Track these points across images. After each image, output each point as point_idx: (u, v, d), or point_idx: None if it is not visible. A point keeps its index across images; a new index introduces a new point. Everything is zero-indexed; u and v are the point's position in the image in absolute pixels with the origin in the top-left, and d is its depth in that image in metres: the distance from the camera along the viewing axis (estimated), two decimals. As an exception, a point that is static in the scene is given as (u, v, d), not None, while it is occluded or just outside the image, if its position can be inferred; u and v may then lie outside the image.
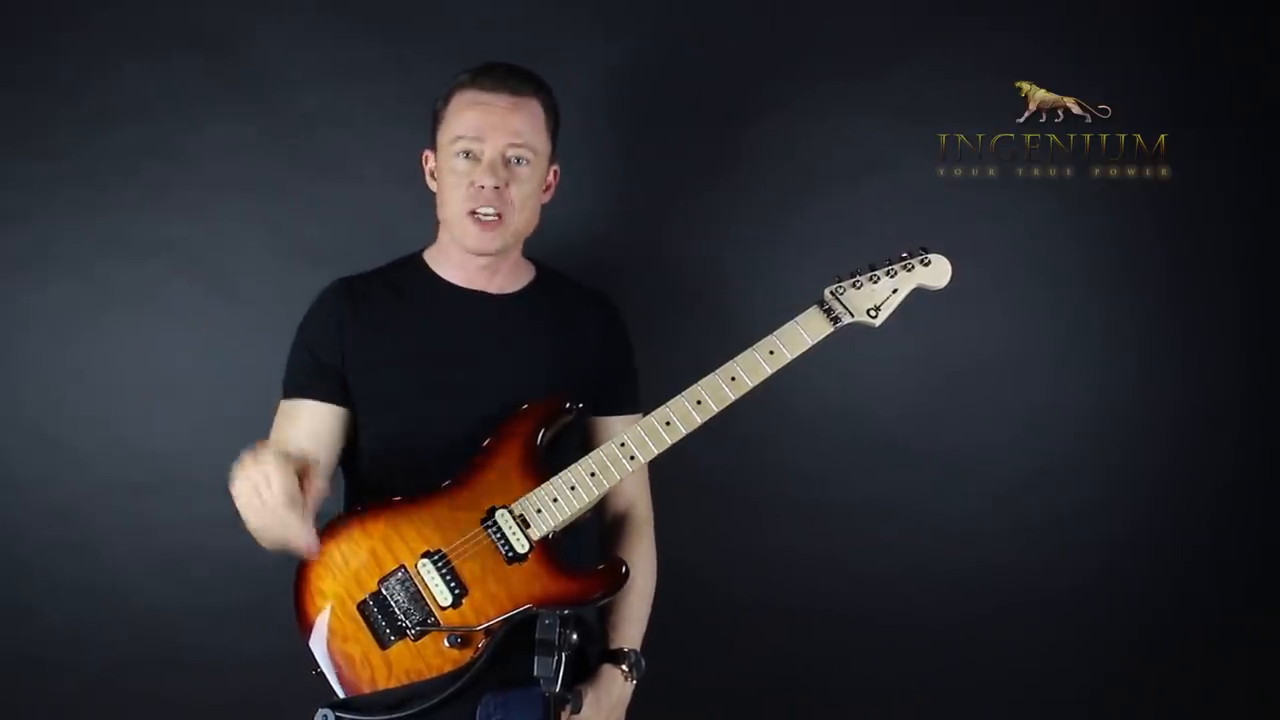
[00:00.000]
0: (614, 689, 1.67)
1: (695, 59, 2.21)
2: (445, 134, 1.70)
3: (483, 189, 1.65)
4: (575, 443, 1.73)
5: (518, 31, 2.17)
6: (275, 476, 1.38)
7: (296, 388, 1.70)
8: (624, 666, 1.69)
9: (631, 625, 1.74)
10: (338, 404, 1.69)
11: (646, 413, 1.64)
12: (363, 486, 1.71)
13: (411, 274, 1.77)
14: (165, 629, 2.20)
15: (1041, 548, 2.27)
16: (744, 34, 2.21)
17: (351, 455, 1.73)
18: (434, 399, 1.67)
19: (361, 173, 2.17)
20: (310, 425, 1.68)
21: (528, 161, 1.68)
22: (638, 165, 2.23)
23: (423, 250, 1.80)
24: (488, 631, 1.54)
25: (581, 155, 2.20)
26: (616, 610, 1.73)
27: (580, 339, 1.78)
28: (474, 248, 1.69)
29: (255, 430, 1.75)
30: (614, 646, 1.71)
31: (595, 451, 1.62)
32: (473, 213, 1.66)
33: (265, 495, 1.38)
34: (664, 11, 2.21)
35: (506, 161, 1.67)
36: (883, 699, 2.30)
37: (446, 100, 1.71)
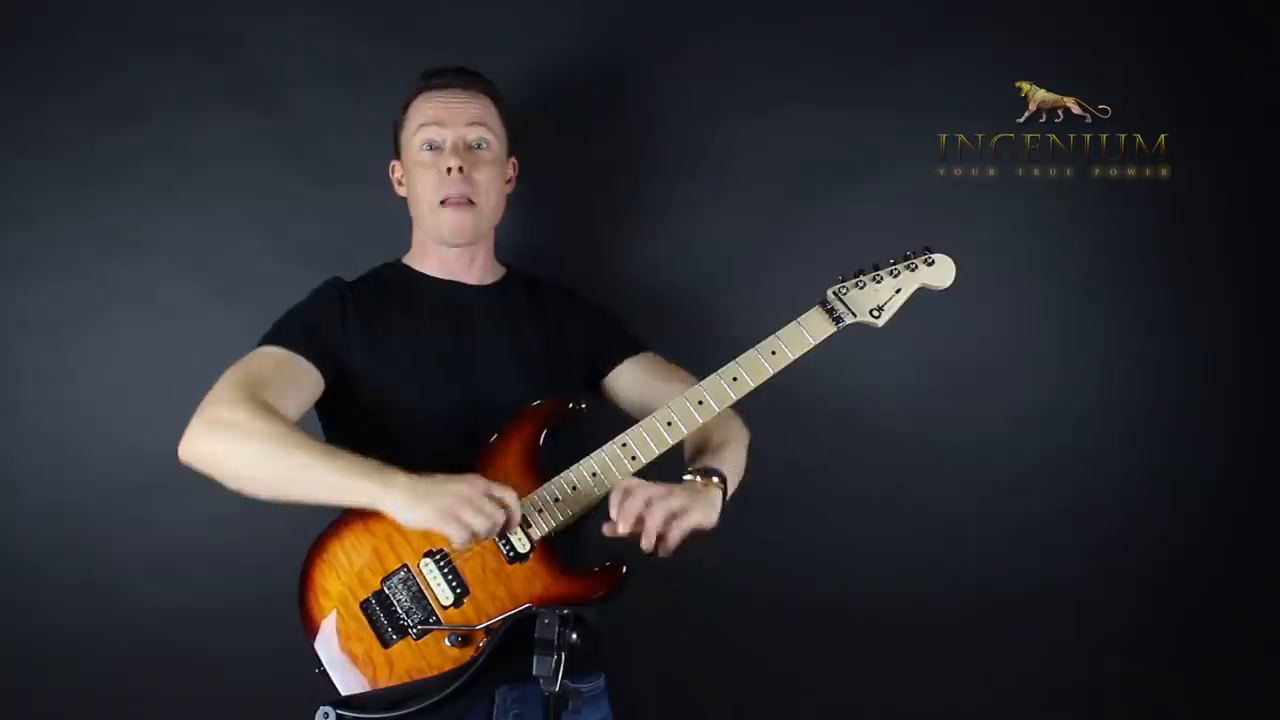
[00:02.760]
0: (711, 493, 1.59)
1: (696, 58, 2.21)
2: (407, 130, 1.80)
3: (449, 171, 1.73)
4: (588, 431, 1.71)
5: (518, 32, 2.17)
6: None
7: (280, 336, 1.68)
8: (715, 479, 1.60)
9: (731, 463, 1.68)
10: (318, 368, 1.65)
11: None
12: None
13: (394, 273, 1.85)
14: (165, 629, 2.19)
15: (1040, 547, 2.26)
16: (744, 34, 2.21)
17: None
18: (421, 385, 1.68)
19: (363, 174, 2.16)
20: (286, 368, 1.64)
21: (488, 145, 1.78)
22: (639, 165, 2.23)
23: (400, 257, 1.88)
24: (488, 630, 1.54)
25: (582, 154, 2.20)
26: (720, 449, 1.68)
27: (560, 327, 1.82)
28: (449, 236, 1.78)
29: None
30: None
31: (597, 452, 1.62)
32: (444, 201, 1.75)
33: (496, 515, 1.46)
34: (664, 11, 2.21)
35: (469, 146, 1.77)
36: (882, 696, 2.30)
37: (404, 109, 1.83)
